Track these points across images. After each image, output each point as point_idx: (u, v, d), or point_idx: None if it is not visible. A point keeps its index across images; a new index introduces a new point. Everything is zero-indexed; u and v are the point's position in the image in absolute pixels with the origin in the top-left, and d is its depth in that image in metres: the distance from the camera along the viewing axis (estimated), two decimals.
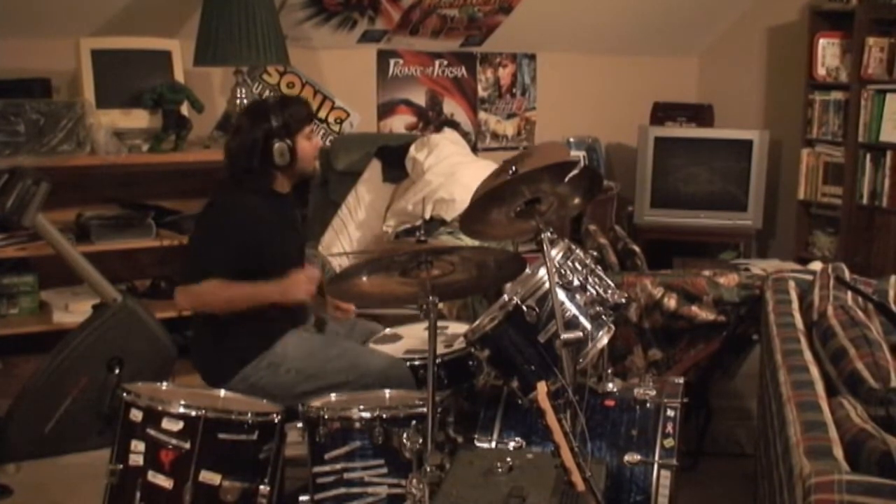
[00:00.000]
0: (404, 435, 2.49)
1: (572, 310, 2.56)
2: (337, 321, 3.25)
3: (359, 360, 2.95)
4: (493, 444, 2.64)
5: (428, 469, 2.35)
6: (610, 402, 2.67)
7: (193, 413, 2.49)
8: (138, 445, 2.50)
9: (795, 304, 2.90)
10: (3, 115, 3.80)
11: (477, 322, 2.65)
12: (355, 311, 3.29)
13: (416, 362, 2.94)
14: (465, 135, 5.33)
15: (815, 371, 2.30)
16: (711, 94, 6.01)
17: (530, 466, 2.25)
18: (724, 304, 3.42)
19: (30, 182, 3.47)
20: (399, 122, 5.35)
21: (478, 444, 2.64)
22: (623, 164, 5.87)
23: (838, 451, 1.82)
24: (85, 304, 3.82)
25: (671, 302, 3.43)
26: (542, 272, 2.54)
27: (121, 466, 2.50)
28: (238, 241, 2.90)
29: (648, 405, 2.64)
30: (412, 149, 4.69)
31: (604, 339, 2.57)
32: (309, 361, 2.94)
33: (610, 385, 2.73)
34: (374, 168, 4.80)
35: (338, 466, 2.55)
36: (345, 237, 4.70)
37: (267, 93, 4.88)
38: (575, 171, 2.55)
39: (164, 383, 2.90)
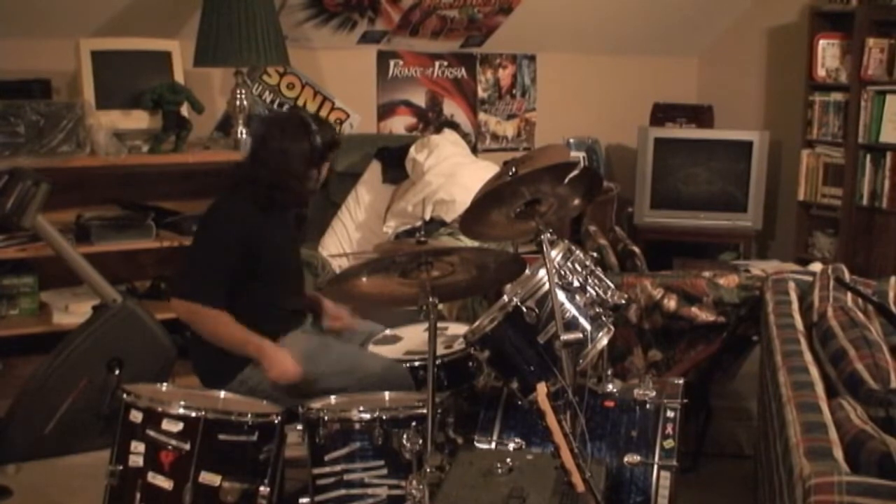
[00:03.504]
0: (404, 436, 2.49)
1: (572, 311, 2.56)
2: (333, 328, 3.25)
3: (357, 364, 2.95)
4: (493, 445, 2.63)
5: (428, 470, 2.35)
6: (610, 403, 2.67)
7: (193, 414, 2.49)
8: (138, 446, 2.50)
9: (795, 305, 2.90)
10: (2, 116, 3.80)
11: (477, 323, 2.65)
12: (352, 323, 3.25)
13: (416, 363, 2.94)
14: (465, 136, 5.33)
15: (814, 372, 2.31)
16: (711, 95, 6.01)
17: (530, 467, 2.25)
18: (724, 305, 3.42)
19: (30, 183, 3.47)
20: (399, 123, 5.35)
21: (478, 444, 2.64)
22: (623, 165, 5.87)
23: (838, 452, 1.82)
24: (85, 305, 3.82)
25: (671, 303, 3.43)
26: (542, 273, 2.54)
27: (121, 467, 2.50)
28: (235, 253, 2.89)
29: (648, 406, 2.64)
30: (412, 150, 4.69)
31: (603, 340, 2.57)
32: (307, 364, 2.94)
33: (610, 386, 2.73)
34: (374, 169, 4.81)
35: (338, 468, 2.55)
36: (344, 238, 4.70)
37: (267, 94, 4.89)
38: (575, 172, 2.55)
39: (164, 384, 2.90)
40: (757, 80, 5.87)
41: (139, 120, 4.20)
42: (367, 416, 2.55)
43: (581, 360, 2.52)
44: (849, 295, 2.87)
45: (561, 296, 2.53)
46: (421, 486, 2.31)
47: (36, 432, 3.47)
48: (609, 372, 2.77)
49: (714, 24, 5.96)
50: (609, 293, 2.66)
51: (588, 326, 2.56)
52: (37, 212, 3.51)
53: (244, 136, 4.36)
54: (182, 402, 2.52)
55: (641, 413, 2.62)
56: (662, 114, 5.75)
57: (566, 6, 5.30)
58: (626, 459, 2.54)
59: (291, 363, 2.85)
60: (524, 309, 2.54)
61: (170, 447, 2.48)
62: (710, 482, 3.34)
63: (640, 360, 3.49)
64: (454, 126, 5.42)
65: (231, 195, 3.01)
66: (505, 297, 2.61)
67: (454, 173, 4.53)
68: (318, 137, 2.95)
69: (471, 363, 2.91)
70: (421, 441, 2.45)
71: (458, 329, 3.22)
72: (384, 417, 2.54)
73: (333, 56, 5.04)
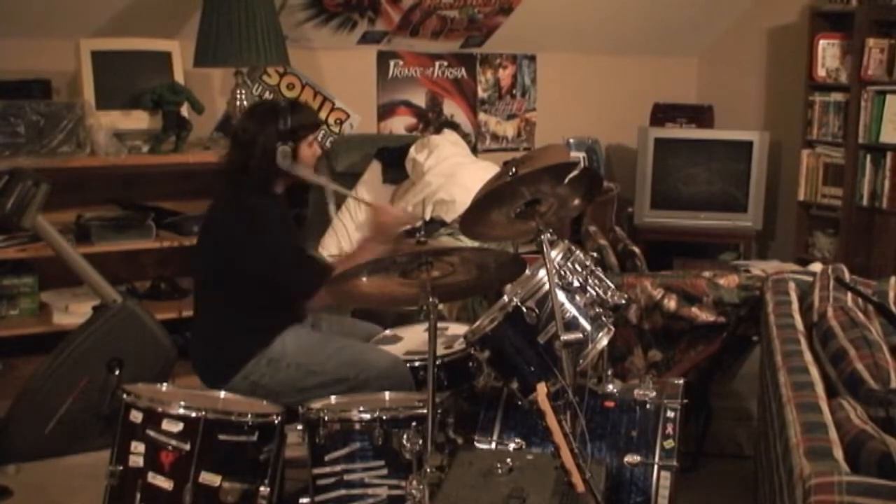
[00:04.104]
0: (404, 436, 2.49)
1: (572, 311, 2.56)
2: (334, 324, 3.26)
3: (359, 357, 2.96)
4: (493, 445, 2.63)
5: (428, 470, 2.35)
6: (610, 404, 2.67)
7: (193, 414, 2.50)
8: (138, 446, 2.50)
9: (795, 306, 2.90)
10: (3, 117, 3.80)
11: (477, 323, 2.65)
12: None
13: (416, 363, 2.95)
14: (465, 136, 5.33)
15: (815, 372, 2.31)
16: (711, 95, 6.01)
17: (530, 467, 2.25)
18: (724, 306, 3.42)
19: (30, 183, 3.47)
20: (399, 124, 5.35)
21: (478, 445, 2.64)
22: (623, 165, 5.87)
23: (838, 453, 1.82)
24: (85, 306, 3.82)
25: (671, 303, 3.43)
26: (542, 273, 2.54)
27: (121, 468, 2.51)
28: (292, 238, 3.03)
29: (648, 406, 2.64)
30: (412, 150, 4.69)
31: (603, 341, 2.57)
32: (309, 357, 2.95)
33: (610, 386, 2.73)
34: (374, 169, 4.80)
35: (338, 468, 2.56)
36: (344, 238, 4.70)
37: (267, 94, 4.89)
38: (575, 173, 2.55)
39: (164, 384, 2.90)
40: (757, 80, 5.87)
41: (139, 120, 4.20)
42: (367, 416, 2.55)
43: (581, 361, 2.52)
44: (849, 295, 2.87)
45: (561, 296, 2.52)
46: (421, 486, 2.31)
47: (36, 432, 3.47)
48: (609, 372, 2.77)
49: (714, 24, 5.96)
50: (609, 293, 2.66)
51: (588, 327, 2.56)
52: (37, 212, 3.51)
53: None
54: (182, 403, 2.52)
55: (641, 413, 2.63)
56: (662, 114, 5.75)
57: (566, 6, 5.30)
58: (626, 459, 2.54)
59: (391, 213, 3.12)
60: (524, 309, 2.54)
61: (170, 447, 2.48)
62: (710, 482, 3.34)
63: (640, 361, 3.49)
64: (454, 126, 5.42)
65: (246, 192, 3.02)
66: (505, 298, 2.61)
67: (454, 173, 4.53)
68: (286, 116, 2.99)
69: (471, 363, 2.91)
70: (421, 441, 2.45)
71: (458, 329, 3.22)
72: (384, 417, 2.54)
73: (333, 56, 5.04)
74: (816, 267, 3.59)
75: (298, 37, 4.79)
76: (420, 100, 5.39)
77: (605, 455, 2.55)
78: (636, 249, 3.83)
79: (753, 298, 3.38)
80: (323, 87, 5.03)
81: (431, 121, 5.43)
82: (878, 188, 4.93)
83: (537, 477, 2.19)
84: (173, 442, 2.48)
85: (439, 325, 2.88)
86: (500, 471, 2.23)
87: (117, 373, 3.47)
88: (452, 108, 5.49)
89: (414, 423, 2.52)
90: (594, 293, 2.63)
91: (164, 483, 2.47)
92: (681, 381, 2.79)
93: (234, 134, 3.12)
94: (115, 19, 4.31)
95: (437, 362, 2.68)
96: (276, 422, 2.59)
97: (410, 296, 2.62)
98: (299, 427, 2.61)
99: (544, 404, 1.95)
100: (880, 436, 1.86)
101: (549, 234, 2.58)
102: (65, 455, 3.49)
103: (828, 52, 5.14)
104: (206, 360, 3.03)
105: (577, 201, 2.74)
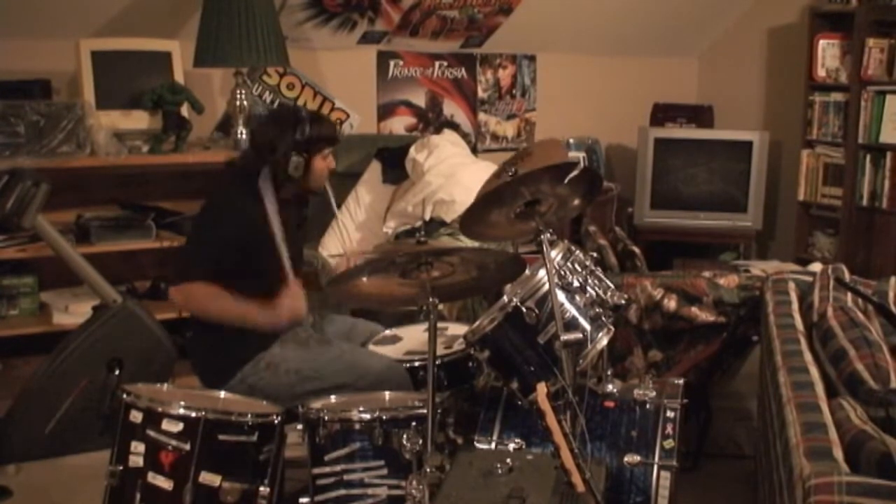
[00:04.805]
0: (404, 436, 2.49)
1: (572, 311, 2.56)
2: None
3: (357, 362, 2.96)
4: (493, 445, 2.63)
5: (428, 470, 2.35)
6: (610, 404, 2.67)
7: (193, 414, 2.49)
8: (138, 447, 2.50)
9: (795, 306, 2.90)
10: (3, 117, 3.80)
11: (477, 323, 2.65)
12: None
13: (416, 363, 2.94)
14: (465, 136, 5.33)
15: (814, 372, 2.31)
16: (711, 95, 6.01)
17: (530, 467, 2.25)
18: (724, 306, 3.42)
19: (30, 183, 3.47)
20: (399, 124, 5.35)
21: (478, 445, 2.64)
22: (623, 165, 5.87)
23: (838, 453, 1.82)
24: (85, 306, 3.81)
25: (671, 303, 3.43)
26: (542, 273, 2.54)
27: (121, 468, 2.50)
28: (231, 245, 2.90)
29: (648, 406, 2.64)
30: (412, 150, 4.69)
31: (603, 341, 2.57)
32: (307, 362, 2.95)
33: (610, 386, 2.73)
34: (374, 169, 4.80)
35: (338, 468, 2.56)
36: (345, 238, 4.70)
37: (267, 94, 4.89)
38: (575, 173, 2.55)
39: (164, 384, 2.90)
40: (757, 80, 5.87)
41: (139, 120, 4.20)
42: (367, 416, 2.55)
43: (581, 361, 2.52)
44: (849, 295, 2.87)
45: (561, 296, 2.52)
46: (421, 486, 2.31)
47: (36, 432, 3.47)
48: (609, 372, 2.77)
49: (714, 24, 5.96)
50: (609, 293, 2.66)
51: (588, 327, 2.56)
52: (37, 212, 3.51)
53: (244, 136, 4.37)
54: (182, 403, 2.52)
55: (641, 413, 2.63)
56: (662, 114, 5.75)
57: (566, 6, 5.30)
58: (626, 459, 2.54)
59: (290, 303, 2.89)
60: (524, 309, 2.54)
61: (170, 447, 2.48)
62: (710, 482, 3.34)
63: (640, 361, 3.49)
64: (454, 126, 5.42)
65: (226, 192, 3.03)
66: (505, 298, 2.61)
67: (454, 173, 4.53)
68: (304, 127, 2.99)
69: (471, 363, 2.91)
70: (421, 441, 2.45)
71: (458, 329, 3.22)
72: (384, 417, 2.54)
73: (333, 56, 5.04)
74: (816, 267, 3.59)
75: (298, 37, 4.79)
76: (420, 100, 5.39)
77: (605, 455, 2.55)
78: (636, 249, 3.83)
79: (753, 298, 3.38)
80: (323, 87, 5.03)
81: (431, 121, 5.42)
82: (877, 188, 4.94)
83: (537, 477, 2.19)
84: (173, 442, 2.48)
85: (439, 325, 2.88)
86: (500, 471, 2.23)
87: (117, 373, 3.46)
88: (452, 108, 5.49)
89: (414, 423, 2.52)
90: (594, 293, 2.63)
91: (164, 483, 2.47)
92: (681, 381, 2.79)
93: (251, 136, 3.12)
94: (115, 19, 4.31)
95: (437, 362, 2.67)
96: (276, 422, 2.59)
97: (410, 296, 2.62)
98: (299, 427, 2.61)
99: (544, 404, 1.95)
100: (880, 436, 1.86)
101: (549, 234, 2.58)
102: (65, 455, 3.49)
103: (828, 52, 5.14)
104: (205, 361, 3.03)
105: (577, 201, 2.74)
